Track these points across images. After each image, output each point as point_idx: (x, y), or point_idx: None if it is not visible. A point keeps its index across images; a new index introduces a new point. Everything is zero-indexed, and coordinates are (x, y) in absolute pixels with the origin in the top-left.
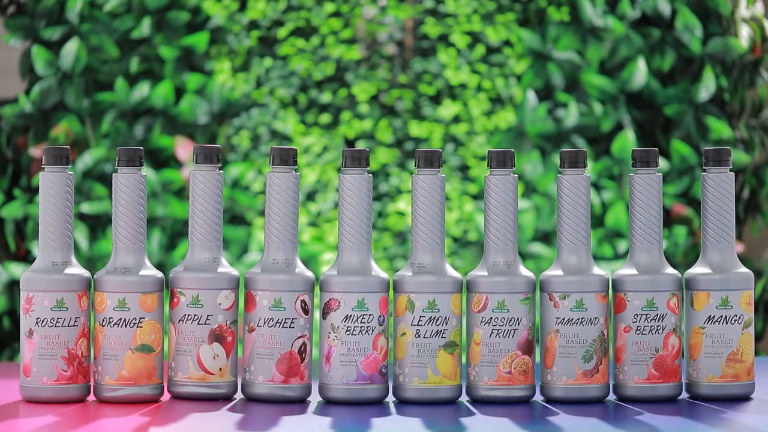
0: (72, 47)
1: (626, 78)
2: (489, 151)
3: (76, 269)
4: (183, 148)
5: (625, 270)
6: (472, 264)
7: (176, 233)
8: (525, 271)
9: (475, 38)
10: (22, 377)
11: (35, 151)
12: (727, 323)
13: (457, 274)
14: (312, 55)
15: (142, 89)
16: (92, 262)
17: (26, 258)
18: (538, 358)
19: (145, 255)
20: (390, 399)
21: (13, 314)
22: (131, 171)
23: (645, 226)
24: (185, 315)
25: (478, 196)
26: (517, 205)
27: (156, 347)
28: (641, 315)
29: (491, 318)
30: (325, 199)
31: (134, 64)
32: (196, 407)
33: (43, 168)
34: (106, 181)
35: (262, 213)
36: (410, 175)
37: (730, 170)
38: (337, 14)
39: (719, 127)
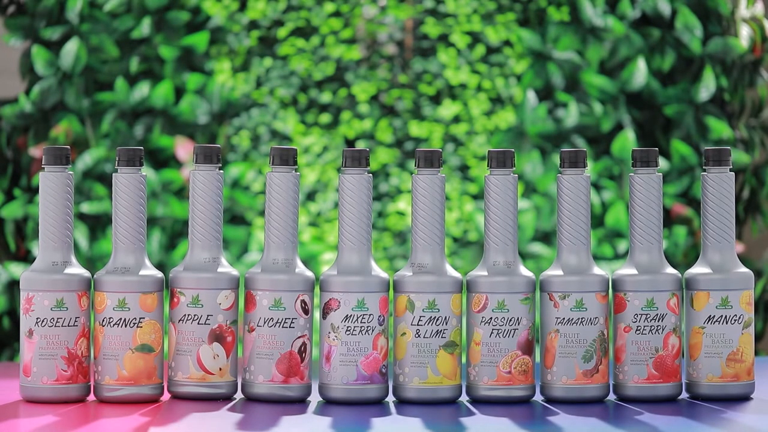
0: (72, 47)
1: (626, 78)
2: (489, 151)
3: (76, 269)
4: (183, 148)
5: (625, 270)
6: (472, 264)
7: (176, 233)
8: (525, 271)
9: (475, 38)
10: (22, 377)
11: (35, 151)
12: (727, 323)
13: (457, 274)
14: (312, 55)
15: (142, 89)
16: (92, 262)
17: (26, 258)
18: (538, 358)
19: (145, 255)
20: (390, 399)
21: (13, 314)
22: (131, 171)
23: (645, 226)
24: (185, 315)
25: (478, 196)
26: (517, 205)
27: (156, 347)
28: (641, 315)
29: (491, 318)
30: (325, 199)
31: (134, 64)
32: (196, 407)
33: (43, 168)
34: (106, 181)
35: (262, 213)
36: (410, 175)
37: (730, 170)
38: (337, 14)
39: (719, 127)
